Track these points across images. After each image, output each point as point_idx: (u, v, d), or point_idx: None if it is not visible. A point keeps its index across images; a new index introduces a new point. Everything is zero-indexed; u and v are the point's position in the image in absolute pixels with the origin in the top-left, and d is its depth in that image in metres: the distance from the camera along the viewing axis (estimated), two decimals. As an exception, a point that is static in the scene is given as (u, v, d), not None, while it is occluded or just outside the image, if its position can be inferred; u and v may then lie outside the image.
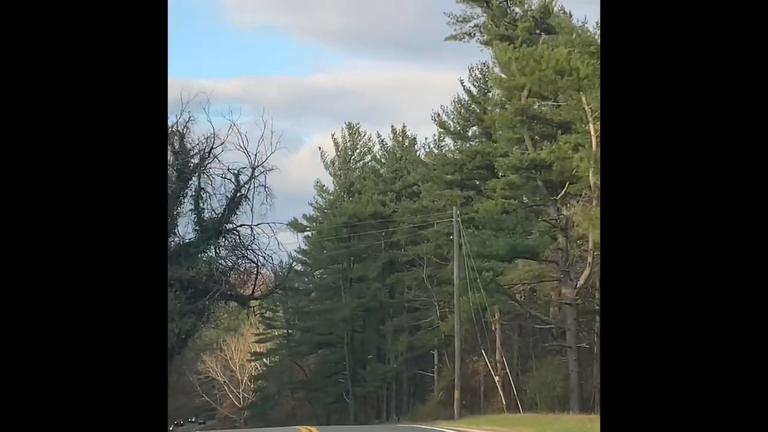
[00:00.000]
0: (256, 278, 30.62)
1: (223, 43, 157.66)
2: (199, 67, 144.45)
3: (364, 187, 58.54)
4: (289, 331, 73.73)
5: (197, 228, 29.91)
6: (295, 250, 62.11)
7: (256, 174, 30.14)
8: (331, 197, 61.66)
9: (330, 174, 61.72)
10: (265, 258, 30.46)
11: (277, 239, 30.98)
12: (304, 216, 60.99)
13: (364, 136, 62.40)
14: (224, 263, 30.35)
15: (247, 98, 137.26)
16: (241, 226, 30.47)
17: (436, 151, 54.01)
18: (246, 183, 30.35)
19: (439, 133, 54.82)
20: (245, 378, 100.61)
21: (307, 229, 61.31)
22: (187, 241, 29.55)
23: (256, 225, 30.25)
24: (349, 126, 62.42)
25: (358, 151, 62.40)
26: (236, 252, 30.39)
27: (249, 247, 30.52)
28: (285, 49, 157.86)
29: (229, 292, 30.04)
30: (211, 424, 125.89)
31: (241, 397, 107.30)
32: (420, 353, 51.91)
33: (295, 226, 59.88)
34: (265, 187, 30.56)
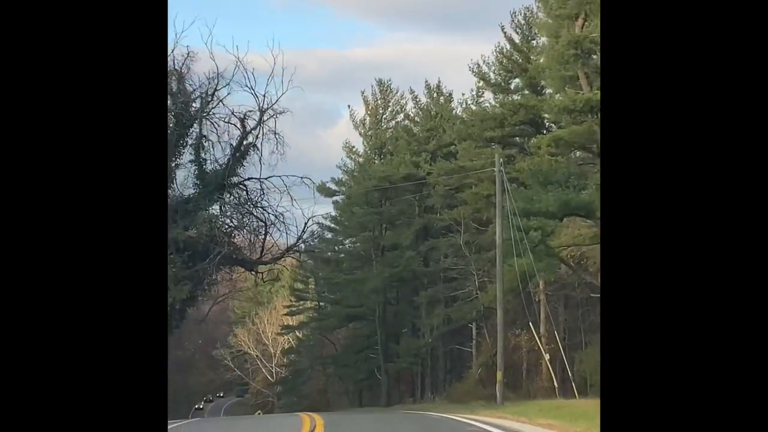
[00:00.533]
0: (265, 239, 25.96)
1: (262, 16, 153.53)
2: (238, 39, 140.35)
3: (396, 148, 53.85)
4: (321, 303, 69.56)
5: (198, 182, 25.50)
6: (323, 216, 57.90)
7: (266, 118, 25.64)
8: (361, 159, 56.98)
9: (360, 135, 57.05)
10: (276, 217, 25.97)
11: (290, 195, 26.42)
12: (333, 179, 56.44)
13: (396, 93, 57.65)
14: (228, 222, 25.90)
15: (285, 71, 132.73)
16: (248, 179, 25.91)
17: (474, 107, 49.07)
18: (254, 128, 25.89)
19: (478, 87, 50.06)
20: (278, 352, 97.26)
21: (336, 193, 56.77)
22: (186, 196, 25.08)
23: (265, 178, 25.78)
24: (380, 83, 57.64)
25: (389, 109, 57.61)
26: (242, 209, 25.90)
27: (257, 204, 26.04)
28: (324, 23, 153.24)
29: (233, 256, 25.48)
30: (244, 399, 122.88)
31: (273, 371, 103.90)
32: (457, 327, 47.33)
33: (324, 190, 55.45)
34: (275, 133, 25.98)
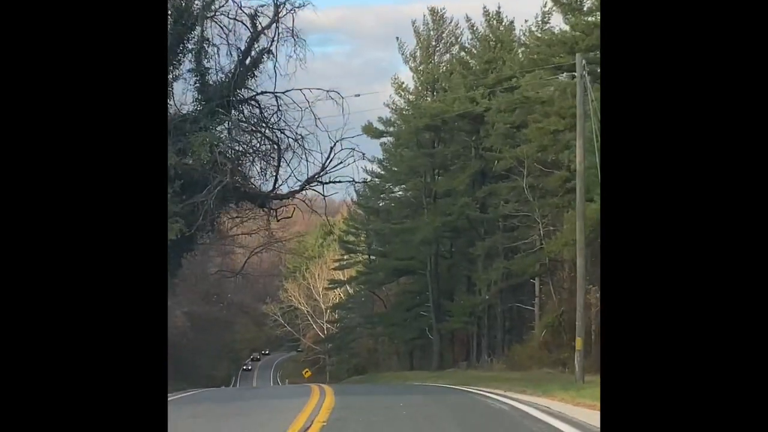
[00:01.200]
0: (279, 166, 20.23)
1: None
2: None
3: (450, 83, 47.85)
4: (371, 257, 64.39)
5: (198, 96, 20.01)
6: (369, 159, 52.39)
7: (281, 14, 19.74)
8: (411, 97, 51.08)
9: (410, 69, 51.08)
10: (295, 140, 20.14)
11: (313, 113, 20.37)
12: (380, 119, 50.65)
13: (450, 23, 51.48)
14: (234, 146, 20.20)
15: (343, 28, 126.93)
16: (261, 93, 20.14)
17: (539, 34, 42.82)
18: (267, 28, 20.06)
19: (544, 13, 43.86)
20: (328, 307, 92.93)
21: (383, 134, 51.06)
22: (184, 114, 19.35)
23: (282, 92, 19.92)
24: (432, 12, 51.52)
25: (443, 41, 51.52)
26: (252, 131, 20.20)
27: (272, 126, 20.29)
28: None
29: (241, 188, 19.87)
30: (295, 355, 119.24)
31: (324, 327, 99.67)
32: (517, 282, 41.62)
33: (370, 131, 49.85)
34: (293, 32, 20.03)
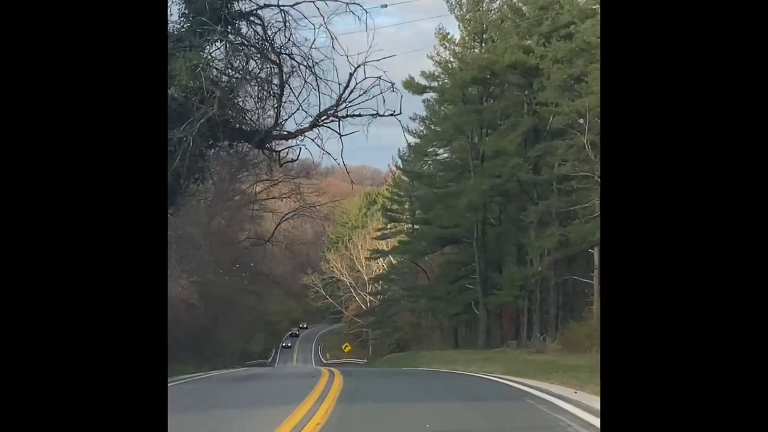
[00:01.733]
0: (282, 95, 15.56)
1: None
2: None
3: (500, 33, 43.04)
4: (414, 225, 60.13)
5: (186, 11, 15.71)
6: (410, 117, 47.91)
7: None
8: (458, 48, 46.27)
9: (456, 18, 46.17)
10: (306, 65, 15.48)
11: (329, 30, 15.56)
12: (423, 73, 45.95)
13: (502, -34, 46.43)
14: (227, 71, 15.77)
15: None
16: (264, 7, 15.61)
17: (601, -25, 37.71)
18: None
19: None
20: (371, 279, 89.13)
21: (426, 90, 46.42)
22: (168, 31, 15.10)
23: (291, 6, 15.38)
24: (482, -46, 46.52)
25: (493, -14, 46.56)
26: (251, 53, 15.72)
27: (276, 46, 15.81)
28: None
29: (231, 121, 15.28)
30: (337, 328, 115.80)
31: (367, 300, 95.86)
32: (574, 252, 36.89)
33: (411, 86, 45.32)
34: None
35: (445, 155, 50.90)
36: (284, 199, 47.18)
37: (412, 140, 51.77)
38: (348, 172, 19.15)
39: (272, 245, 47.78)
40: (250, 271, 50.17)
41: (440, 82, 45.71)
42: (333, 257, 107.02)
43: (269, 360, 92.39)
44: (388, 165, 74.96)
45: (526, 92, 41.03)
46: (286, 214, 47.49)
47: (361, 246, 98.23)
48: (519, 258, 44.52)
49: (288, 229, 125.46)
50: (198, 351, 39.03)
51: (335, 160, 16.27)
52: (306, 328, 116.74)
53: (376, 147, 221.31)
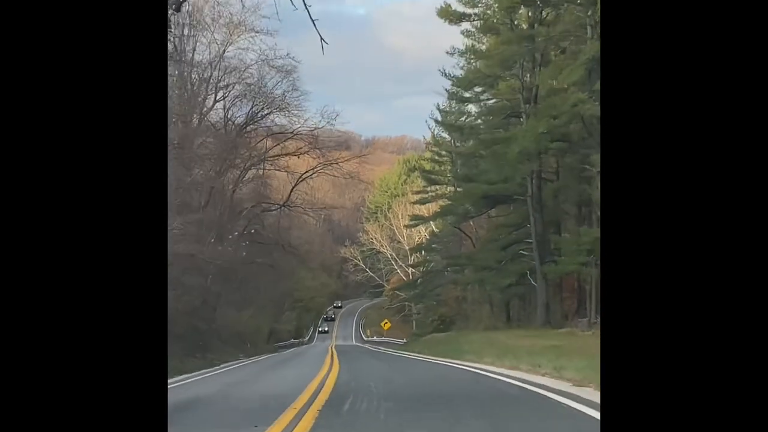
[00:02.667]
0: None
1: None
2: None
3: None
4: (456, 186, 52.28)
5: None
6: (446, 52, 39.92)
7: None
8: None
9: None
10: None
11: None
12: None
13: None
14: None
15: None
16: None
17: None
18: None
19: None
20: (412, 248, 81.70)
21: (464, 18, 38.17)
22: None
23: None
24: None
25: None
26: None
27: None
28: None
29: None
30: (378, 302, 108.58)
31: (409, 272, 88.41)
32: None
33: (446, 14, 37.29)
34: None
35: (492, 100, 42.66)
36: (302, 157, 39.56)
37: (450, 87, 43.92)
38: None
39: (289, 210, 40.14)
40: (270, 243, 42.81)
41: (482, 7, 37.46)
42: (372, 228, 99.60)
43: (306, 338, 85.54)
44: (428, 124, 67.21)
45: (590, 12, 32.77)
46: (305, 173, 39.84)
47: (401, 215, 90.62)
48: (582, 217, 36.54)
49: (321, 196, 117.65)
50: (202, 340, 31.94)
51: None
52: (340, 307, 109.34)
53: (419, 117, 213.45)
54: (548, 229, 37.58)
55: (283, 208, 39.47)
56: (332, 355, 29.52)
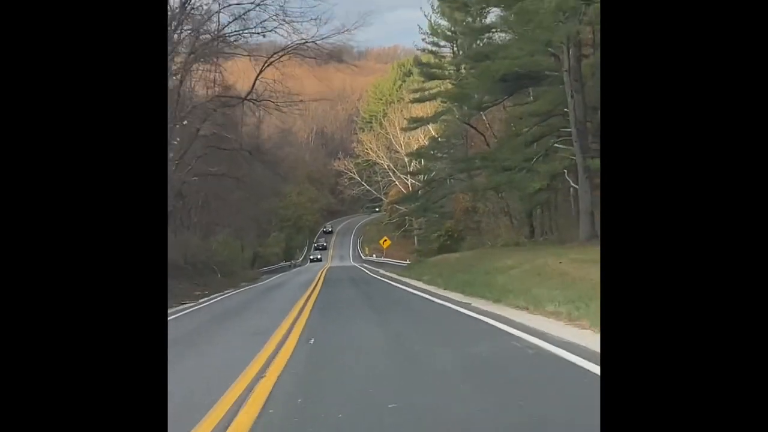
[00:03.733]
0: None
1: None
2: None
3: None
4: (462, 69, 42.65)
5: None
6: None
7: None
8: None
9: None
10: None
11: None
12: None
13: None
14: None
15: None
16: None
17: None
18: None
19: None
20: (411, 155, 72.60)
21: None
22: None
23: None
24: None
25: None
26: None
27: None
28: None
29: None
30: (376, 218, 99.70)
31: (408, 184, 79.30)
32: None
33: None
34: None
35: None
36: (267, 36, 29.79)
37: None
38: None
39: (256, 105, 30.57)
40: (234, 150, 33.52)
41: None
42: (367, 138, 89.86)
43: (299, 260, 76.85)
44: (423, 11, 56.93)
45: None
46: (271, 56, 30.11)
47: (398, 122, 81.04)
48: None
49: (313, 108, 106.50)
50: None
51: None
52: (330, 232, 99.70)
53: (411, 30, 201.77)
54: (590, 114, 28.25)
55: (246, 101, 29.92)
56: (310, 295, 20.64)
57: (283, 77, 29.68)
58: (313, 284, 27.67)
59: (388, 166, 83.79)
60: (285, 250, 66.81)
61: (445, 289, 20.57)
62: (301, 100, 31.19)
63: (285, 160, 46.93)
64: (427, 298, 17.47)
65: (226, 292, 27.45)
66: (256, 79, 30.05)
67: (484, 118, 38.13)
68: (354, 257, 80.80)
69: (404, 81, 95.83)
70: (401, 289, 22.34)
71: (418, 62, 50.97)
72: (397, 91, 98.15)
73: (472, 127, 38.98)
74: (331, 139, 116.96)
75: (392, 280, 28.69)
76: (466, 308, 13.85)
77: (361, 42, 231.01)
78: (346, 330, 11.35)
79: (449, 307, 14.48)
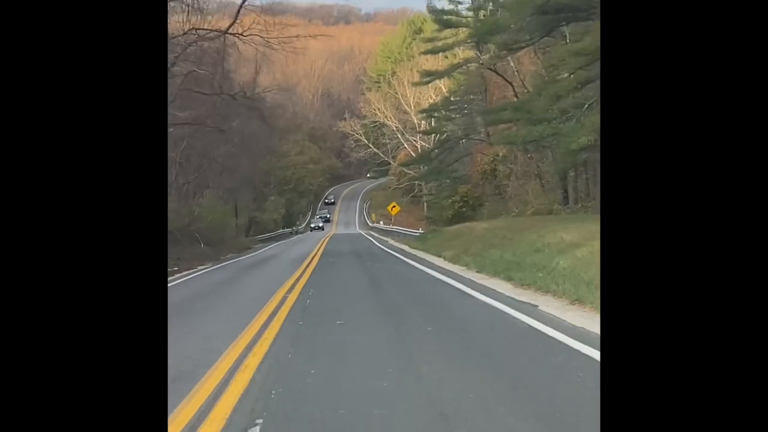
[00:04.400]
0: None
1: None
2: None
3: None
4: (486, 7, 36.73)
5: None
6: None
7: None
8: None
9: None
10: None
11: None
12: None
13: None
14: None
15: None
16: None
17: None
18: None
19: None
20: (421, 114, 66.84)
21: None
22: None
23: None
24: None
25: None
26: None
27: None
28: None
29: None
30: (384, 183, 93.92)
31: (418, 146, 73.49)
32: None
33: None
34: None
35: None
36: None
37: None
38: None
39: (240, 41, 24.63)
40: (215, 94, 27.74)
41: None
42: (374, 97, 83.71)
43: (301, 227, 71.14)
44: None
45: None
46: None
47: (408, 80, 75.04)
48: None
49: (318, 68, 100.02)
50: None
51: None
52: (333, 203, 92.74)
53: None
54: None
55: (227, 35, 24.01)
56: (298, 279, 15.08)
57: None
58: (308, 260, 22.12)
59: (396, 127, 77.90)
60: (285, 216, 60.94)
61: (478, 272, 14.97)
62: (297, 36, 25.25)
63: (283, 114, 41.02)
64: (461, 290, 11.82)
65: (200, 268, 21.89)
66: (238, 12, 24.13)
67: (512, 64, 32.20)
68: (360, 224, 75.30)
69: (414, 39, 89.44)
70: (419, 270, 16.72)
71: (431, 9, 44.79)
72: (406, 49, 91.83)
73: (498, 74, 33.04)
74: (338, 100, 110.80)
75: (405, 255, 23.13)
76: (543, 322, 8.16)
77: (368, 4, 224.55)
78: (340, 376, 5.74)
79: (510, 316, 8.80)
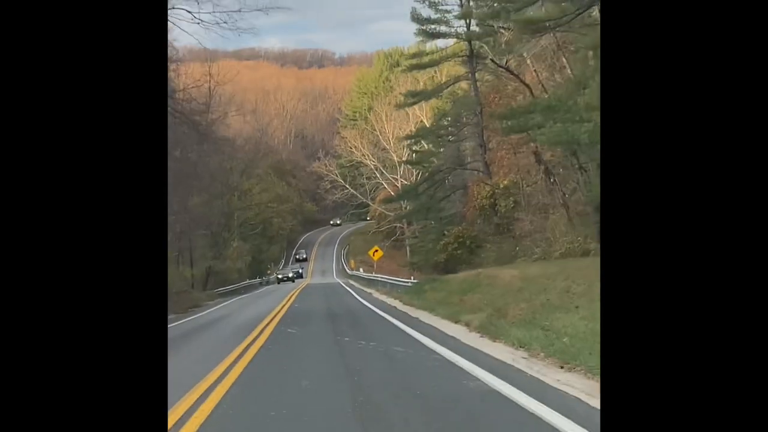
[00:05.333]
0: None
1: None
2: None
3: None
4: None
5: None
6: None
7: None
8: None
9: None
10: None
11: None
12: None
13: None
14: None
15: None
16: None
17: None
18: None
19: None
20: (404, 154, 59.80)
21: None
22: None
23: None
24: None
25: None
26: None
27: None
28: None
29: None
30: (363, 227, 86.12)
31: (399, 184, 65.95)
32: None
33: None
34: None
35: None
36: None
37: None
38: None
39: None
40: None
41: None
42: (350, 134, 76.57)
43: (269, 277, 62.30)
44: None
45: None
46: None
47: (387, 116, 67.94)
48: None
49: (291, 108, 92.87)
50: None
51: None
52: (305, 259, 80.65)
53: (393, 41, 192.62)
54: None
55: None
56: (226, 372, 7.21)
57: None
58: (257, 330, 14.16)
59: (375, 165, 70.52)
60: (251, 264, 52.38)
61: (566, 363, 7.29)
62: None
63: (243, 146, 33.28)
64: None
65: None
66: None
67: (529, 62, 24.75)
68: (338, 272, 67.33)
69: (391, 71, 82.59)
70: (439, 359, 8.77)
71: (415, 17, 37.49)
72: (384, 82, 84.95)
73: (512, 73, 25.55)
74: (311, 141, 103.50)
75: (401, 319, 15.20)
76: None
77: (342, 49, 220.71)
78: None
79: None
